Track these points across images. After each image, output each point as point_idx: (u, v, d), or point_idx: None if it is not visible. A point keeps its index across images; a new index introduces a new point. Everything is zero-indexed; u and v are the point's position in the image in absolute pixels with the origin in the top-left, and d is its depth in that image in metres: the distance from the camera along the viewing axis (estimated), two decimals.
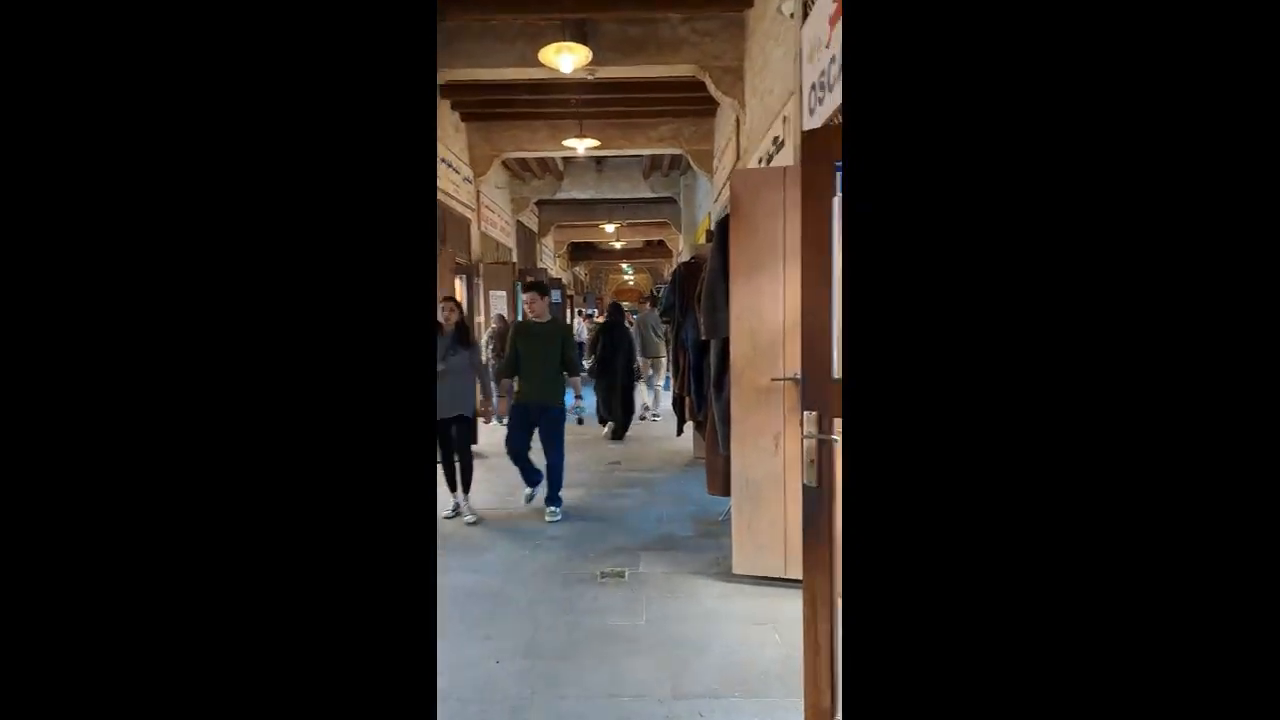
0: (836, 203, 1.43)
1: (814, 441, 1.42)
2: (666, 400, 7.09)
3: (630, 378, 6.12)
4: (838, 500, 1.41)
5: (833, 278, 1.40)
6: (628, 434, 6.04)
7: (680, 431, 5.13)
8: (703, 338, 3.08)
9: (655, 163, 9.31)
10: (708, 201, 7.97)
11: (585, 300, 16.73)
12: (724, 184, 6.48)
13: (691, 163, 7.42)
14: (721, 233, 2.94)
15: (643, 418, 7.02)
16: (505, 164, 9.05)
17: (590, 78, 5.40)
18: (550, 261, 13.48)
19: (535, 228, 11.69)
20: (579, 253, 17.05)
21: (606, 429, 6.18)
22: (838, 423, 1.41)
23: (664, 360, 7.02)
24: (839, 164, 1.39)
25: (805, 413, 1.43)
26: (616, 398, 6.02)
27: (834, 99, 2.78)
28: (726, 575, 2.79)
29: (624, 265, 20.16)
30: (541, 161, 8.97)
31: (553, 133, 7.17)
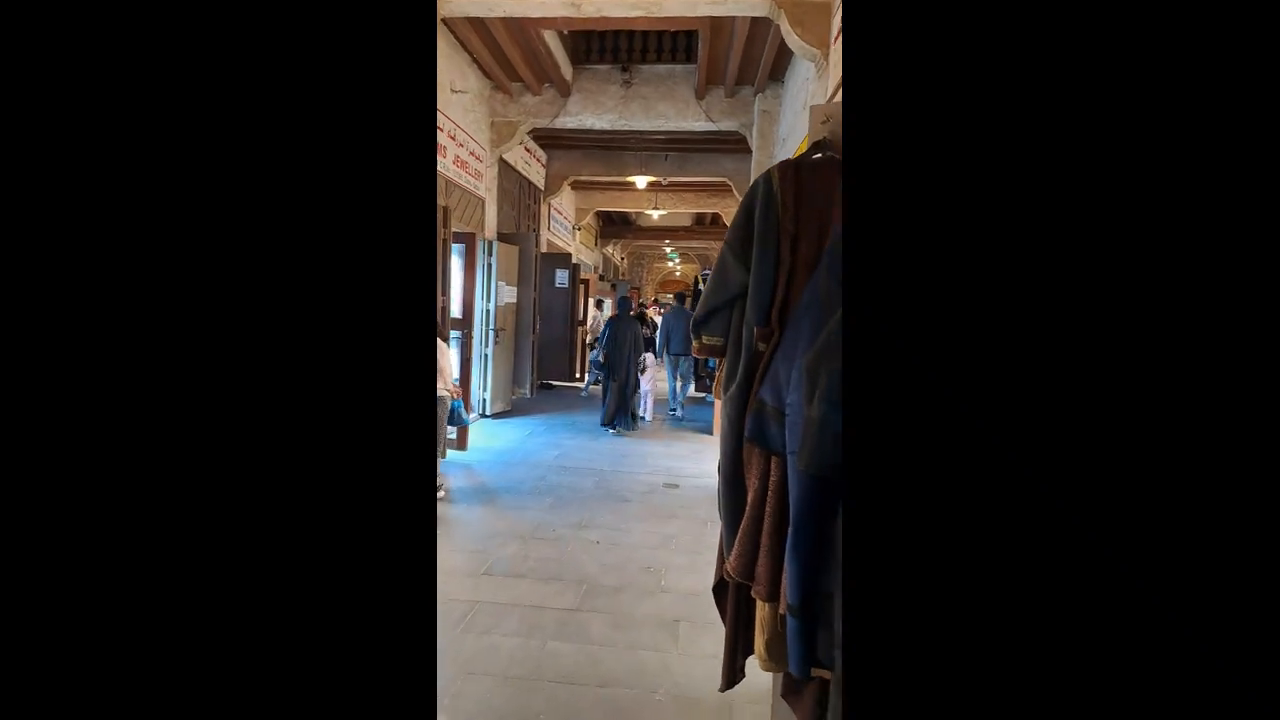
0: None
1: None
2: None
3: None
4: None
5: None
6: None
7: (729, 681, 1.64)
8: None
9: (714, 71, 5.78)
10: (805, 120, 4.39)
11: (615, 289, 13.28)
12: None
13: (787, 30, 3.86)
14: None
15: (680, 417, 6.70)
16: (475, 57, 5.67)
17: None
18: (567, 235, 10.08)
19: (541, 182, 8.31)
20: (611, 228, 13.59)
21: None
22: None
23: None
24: None
25: None
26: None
27: None
28: None
29: (667, 249, 16.54)
30: (531, 58, 5.56)
31: None
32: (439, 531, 3.20)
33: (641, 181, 7.85)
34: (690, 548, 3.12)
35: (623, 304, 6.42)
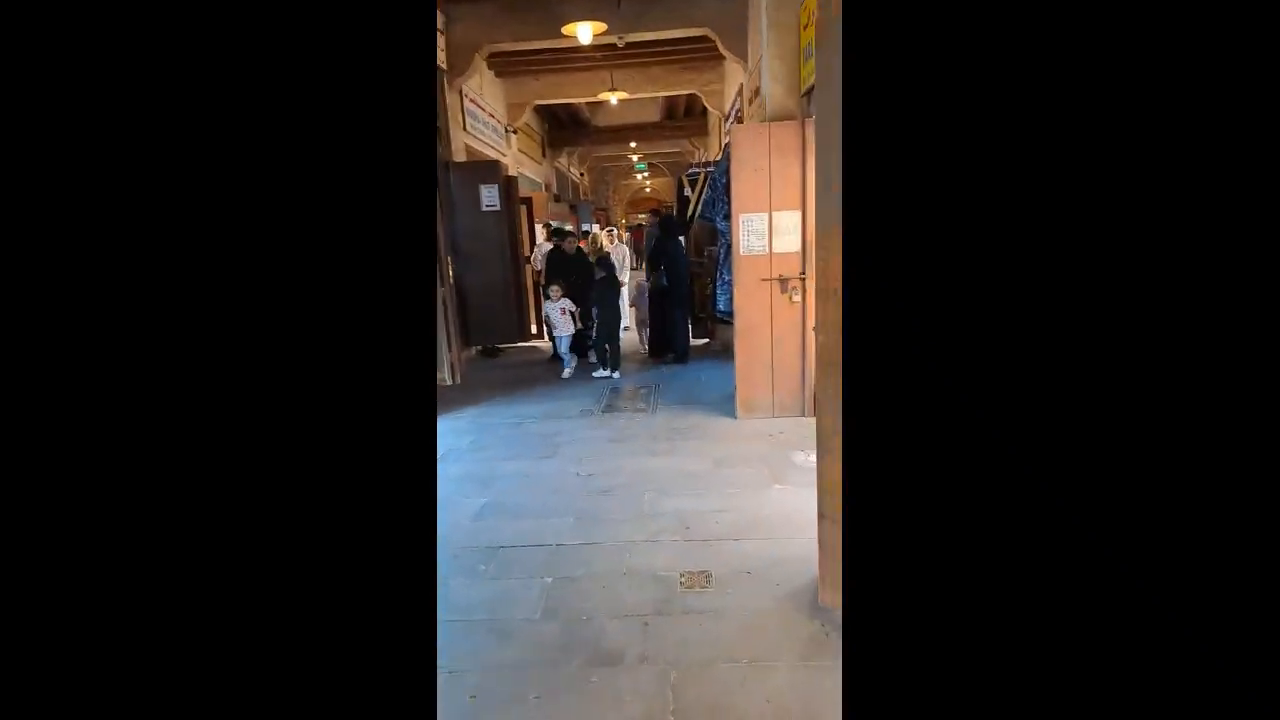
0: None
1: None
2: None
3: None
4: None
5: None
6: None
7: None
8: None
9: None
10: None
11: (575, 211, 10.72)
12: None
13: None
14: None
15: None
16: None
17: None
18: (498, 140, 7.50)
19: (440, 58, 5.68)
20: (560, 133, 10.88)
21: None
22: None
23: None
24: None
25: None
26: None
27: None
28: None
29: (634, 158, 13.82)
30: None
31: None
32: None
33: (585, 34, 5.25)
34: None
35: (667, 221, 5.32)
